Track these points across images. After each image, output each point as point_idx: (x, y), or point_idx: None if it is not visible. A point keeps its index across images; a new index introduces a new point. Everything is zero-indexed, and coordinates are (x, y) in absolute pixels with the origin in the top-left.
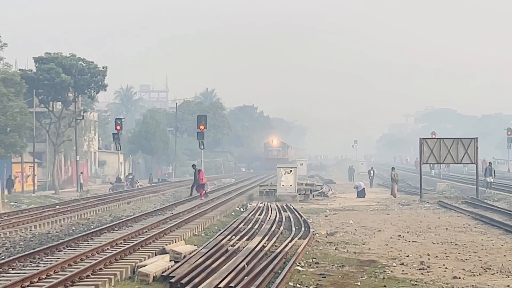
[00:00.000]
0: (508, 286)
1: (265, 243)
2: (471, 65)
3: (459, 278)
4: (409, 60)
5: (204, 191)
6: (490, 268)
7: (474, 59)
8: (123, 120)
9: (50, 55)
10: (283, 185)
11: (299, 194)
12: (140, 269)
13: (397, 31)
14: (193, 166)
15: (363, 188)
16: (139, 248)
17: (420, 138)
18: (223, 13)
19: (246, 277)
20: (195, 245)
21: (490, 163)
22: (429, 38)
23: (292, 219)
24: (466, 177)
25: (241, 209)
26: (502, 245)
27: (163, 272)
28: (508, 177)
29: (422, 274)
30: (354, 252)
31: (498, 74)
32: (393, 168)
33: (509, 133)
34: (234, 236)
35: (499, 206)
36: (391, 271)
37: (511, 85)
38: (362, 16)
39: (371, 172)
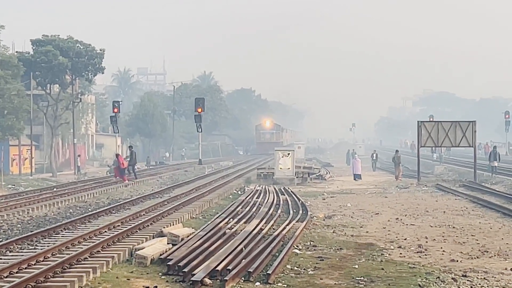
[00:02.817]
0: (505, 268)
1: (262, 226)
2: (471, 62)
3: (457, 261)
4: (407, 54)
5: (126, 176)
6: (487, 251)
7: (474, 53)
8: (120, 103)
9: (47, 37)
10: (280, 168)
11: (296, 177)
12: (137, 252)
13: (400, 27)
14: (130, 147)
15: (359, 174)
16: (136, 231)
17: (418, 121)
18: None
19: (243, 260)
20: (192, 228)
21: (494, 147)
22: (429, 35)
23: (289, 202)
24: (466, 161)
25: (239, 192)
26: (499, 228)
27: (160, 255)
28: (507, 160)
29: (420, 257)
30: (352, 235)
31: (498, 70)
32: (396, 151)
33: (507, 116)
34: (231, 219)
35: (497, 189)
36: (389, 254)
37: (510, 71)
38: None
39: (374, 155)
